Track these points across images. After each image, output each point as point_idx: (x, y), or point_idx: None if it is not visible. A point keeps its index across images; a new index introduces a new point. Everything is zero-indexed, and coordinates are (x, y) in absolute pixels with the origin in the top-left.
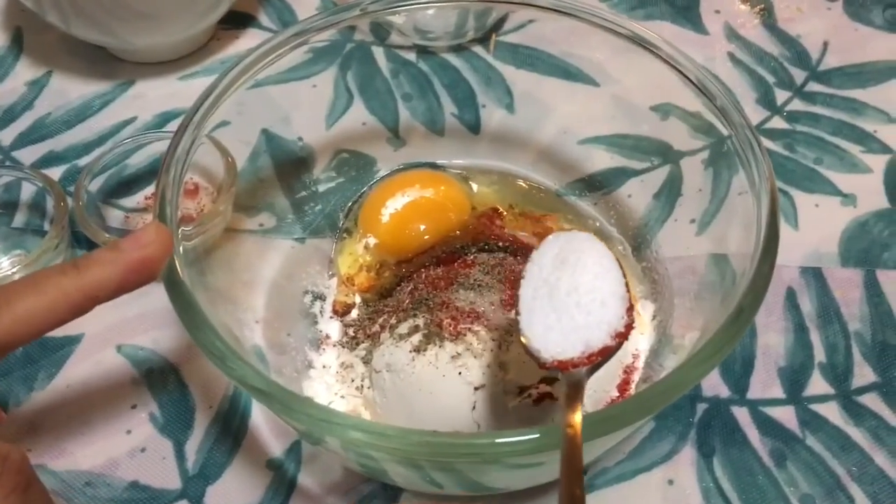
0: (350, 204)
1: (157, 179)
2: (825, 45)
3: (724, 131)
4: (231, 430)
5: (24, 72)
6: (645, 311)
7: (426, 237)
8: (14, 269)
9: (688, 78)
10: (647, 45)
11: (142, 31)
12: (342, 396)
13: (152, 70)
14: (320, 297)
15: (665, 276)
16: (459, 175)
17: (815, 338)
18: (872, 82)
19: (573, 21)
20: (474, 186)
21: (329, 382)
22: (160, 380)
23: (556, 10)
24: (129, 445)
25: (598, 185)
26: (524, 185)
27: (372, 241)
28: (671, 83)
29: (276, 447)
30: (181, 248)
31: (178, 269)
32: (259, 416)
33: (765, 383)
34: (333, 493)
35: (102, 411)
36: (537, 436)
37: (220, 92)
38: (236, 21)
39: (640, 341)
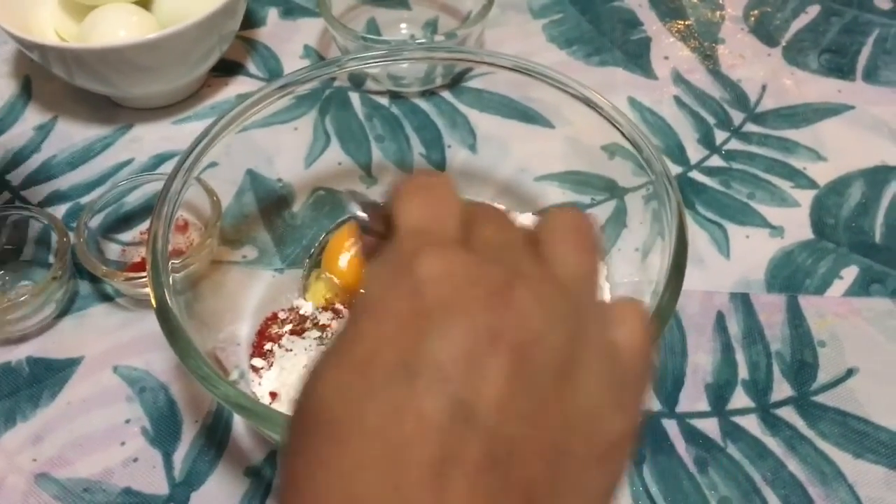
0: (321, 239)
1: (152, 217)
2: (763, 88)
3: (651, 176)
4: (214, 441)
5: (32, 117)
6: None
7: None
8: (22, 298)
9: (622, 132)
10: (590, 104)
11: (140, 82)
12: None
13: (149, 115)
14: None
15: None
16: None
17: (740, 357)
18: (805, 123)
19: (529, 78)
20: None
21: None
22: (151, 397)
23: (514, 70)
24: (123, 456)
25: None
26: None
27: (334, 279)
28: (614, 130)
29: (254, 457)
30: (171, 279)
31: (168, 298)
32: (239, 429)
33: (692, 398)
34: None
35: (100, 425)
36: None
37: (210, 139)
38: (226, 69)
39: None
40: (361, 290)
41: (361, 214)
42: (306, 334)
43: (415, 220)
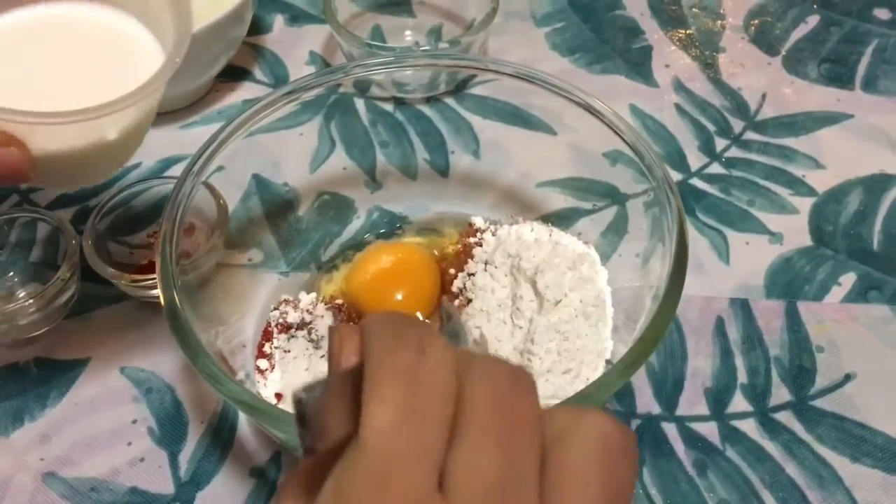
0: (332, 239)
1: (161, 219)
2: (763, 96)
3: (652, 183)
4: (220, 442)
5: None
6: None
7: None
8: (30, 300)
9: (623, 139)
10: (592, 111)
11: None
12: None
13: (156, 120)
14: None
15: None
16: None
17: (739, 362)
18: (804, 131)
19: (532, 85)
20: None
21: None
22: (158, 398)
23: (517, 77)
24: (130, 455)
25: (552, 223)
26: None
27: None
28: (615, 137)
29: (259, 457)
30: (180, 281)
31: (177, 299)
32: (245, 430)
33: (692, 402)
34: None
35: (106, 426)
36: None
37: (218, 144)
38: (233, 74)
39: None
40: None
41: (307, 417)
42: (298, 333)
43: (384, 440)
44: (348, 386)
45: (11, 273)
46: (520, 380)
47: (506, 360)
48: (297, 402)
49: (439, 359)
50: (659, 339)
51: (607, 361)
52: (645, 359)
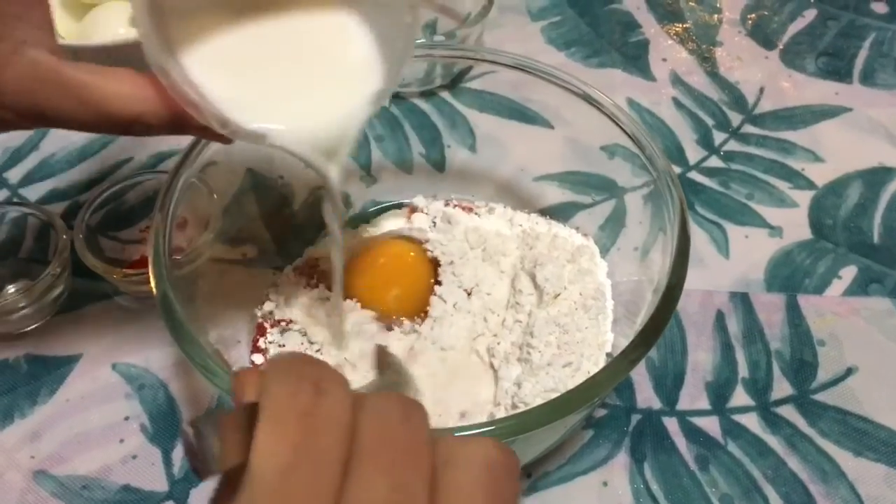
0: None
1: (154, 212)
2: (761, 90)
3: (654, 174)
4: None
5: None
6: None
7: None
8: (21, 295)
9: (624, 130)
10: (592, 102)
11: None
12: None
13: None
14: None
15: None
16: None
17: (740, 355)
18: (802, 125)
19: (530, 76)
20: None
21: None
22: (151, 394)
23: (515, 67)
24: (122, 453)
25: (550, 217)
26: None
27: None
28: (614, 129)
29: None
30: (174, 275)
31: (170, 292)
32: None
33: (693, 396)
34: None
35: (98, 422)
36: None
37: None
38: None
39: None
40: None
41: (202, 443)
42: (292, 328)
43: (275, 477)
44: (243, 421)
45: (0, 269)
46: (411, 413)
47: (403, 396)
48: (184, 434)
49: (336, 399)
50: (660, 332)
51: (608, 354)
52: (646, 351)
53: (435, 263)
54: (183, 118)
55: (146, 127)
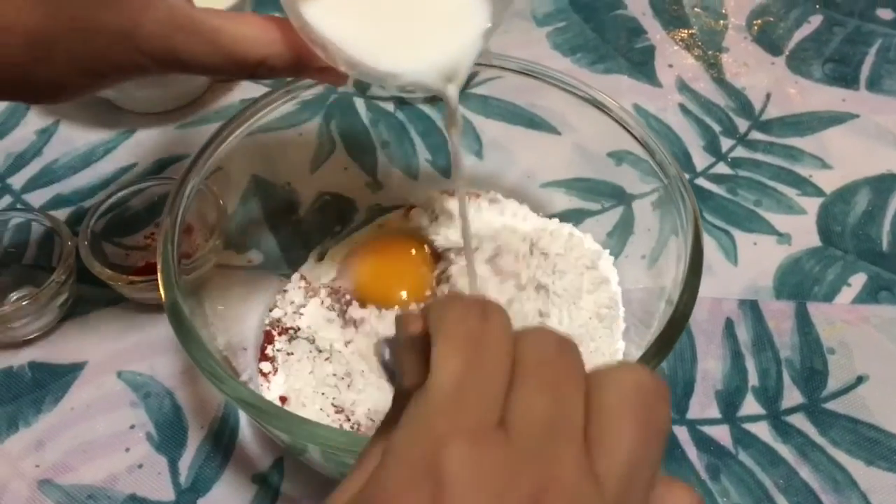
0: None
1: (161, 221)
2: (768, 96)
3: (664, 180)
4: (220, 448)
5: (34, 121)
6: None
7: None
8: (25, 302)
9: (633, 135)
10: (600, 106)
11: (143, 85)
12: (320, 408)
13: (152, 120)
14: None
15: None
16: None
17: (750, 364)
18: (810, 131)
19: (537, 81)
20: None
21: None
22: (156, 403)
23: (521, 72)
24: (128, 462)
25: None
26: None
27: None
28: (622, 135)
29: (261, 463)
30: (181, 281)
31: (179, 299)
32: (246, 436)
33: (703, 405)
34: (313, 502)
35: (104, 431)
36: None
37: (217, 143)
38: None
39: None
40: (381, 463)
41: (388, 360)
42: (299, 335)
43: (452, 384)
44: (417, 346)
45: (4, 276)
46: (565, 343)
47: (557, 331)
48: (378, 346)
49: (500, 323)
50: (673, 345)
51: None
52: (659, 363)
53: (436, 257)
54: (305, 60)
55: (270, 69)
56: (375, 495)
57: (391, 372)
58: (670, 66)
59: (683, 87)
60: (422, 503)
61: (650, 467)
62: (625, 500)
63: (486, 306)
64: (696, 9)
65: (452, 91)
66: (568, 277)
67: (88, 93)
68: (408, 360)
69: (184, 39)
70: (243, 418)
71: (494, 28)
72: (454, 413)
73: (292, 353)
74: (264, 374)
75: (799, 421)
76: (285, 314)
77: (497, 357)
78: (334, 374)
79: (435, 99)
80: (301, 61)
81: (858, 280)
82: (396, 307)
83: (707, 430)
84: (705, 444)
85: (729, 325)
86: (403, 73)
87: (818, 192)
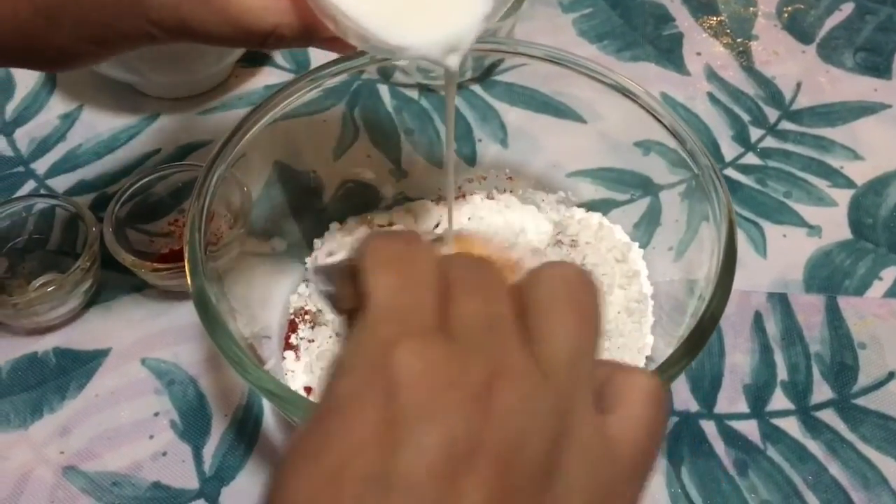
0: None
1: (188, 208)
2: (798, 85)
3: (695, 170)
4: (244, 436)
5: (57, 106)
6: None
7: None
8: (49, 289)
9: (663, 123)
10: (628, 94)
11: (166, 70)
12: None
13: (175, 105)
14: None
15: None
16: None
17: (779, 358)
18: (841, 121)
19: (563, 68)
20: None
21: None
22: (180, 390)
23: (547, 60)
24: (152, 449)
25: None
26: None
27: None
28: (651, 124)
29: None
30: (207, 268)
31: (206, 286)
32: (270, 424)
33: (731, 399)
34: None
35: (128, 418)
36: None
37: (245, 131)
38: (253, 59)
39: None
40: (331, 379)
41: (326, 288)
42: (323, 322)
43: (388, 297)
44: (347, 274)
45: (29, 261)
46: (481, 259)
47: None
48: (316, 271)
49: (422, 245)
50: (704, 344)
51: (647, 358)
52: (689, 363)
53: None
54: (314, 29)
55: (279, 38)
56: (330, 407)
57: (332, 299)
58: (698, 53)
59: (712, 75)
60: (377, 402)
61: (588, 353)
62: (570, 383)
63: (407, 233)
64: None
65: (453, 61)
66: (599, 271)
67: (96, 61)
68: (342, 285)
69: (192, 8)
70: (267, 406)
71: (499, 9)
72: (396, 320)
73: (313, 340)
74: (288, 363)
75: (828, 416)
76: (308, 302)
77: (425, 271)
78: None
79: (459, 86)
80: (310, 31)
81: (890, 274)
82: None
83: (735, 424)
84: (733, 438)
85: (758, 319)
86: (412, 45)
87: (849, 183)
